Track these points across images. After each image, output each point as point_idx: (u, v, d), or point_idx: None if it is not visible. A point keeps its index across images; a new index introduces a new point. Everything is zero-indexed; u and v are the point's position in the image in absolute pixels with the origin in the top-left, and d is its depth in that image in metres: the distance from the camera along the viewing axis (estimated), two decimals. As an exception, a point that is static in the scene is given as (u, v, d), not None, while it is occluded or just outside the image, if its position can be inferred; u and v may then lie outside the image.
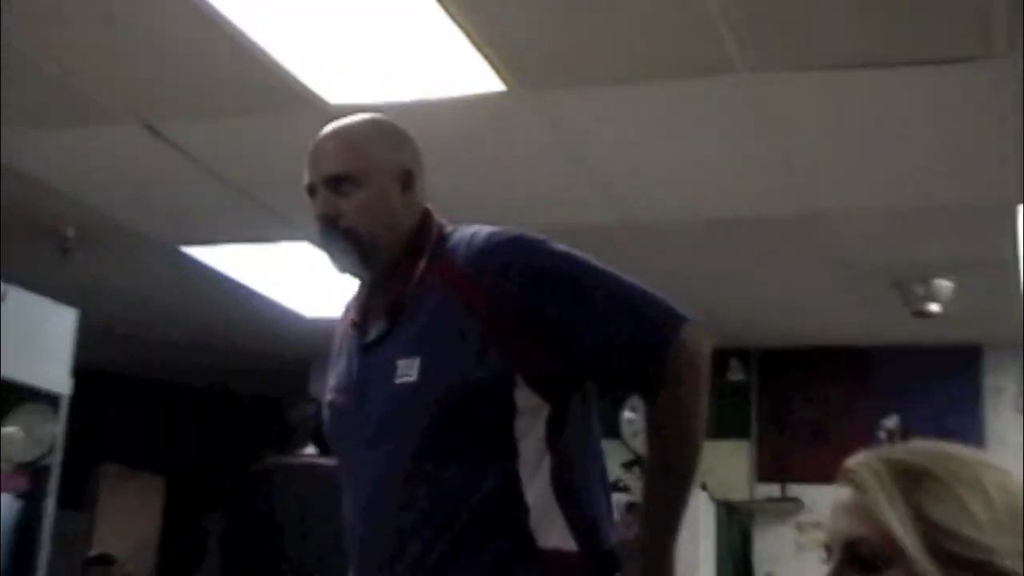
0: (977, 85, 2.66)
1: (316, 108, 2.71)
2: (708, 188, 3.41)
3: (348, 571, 1.50)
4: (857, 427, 4.80)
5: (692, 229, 3.71)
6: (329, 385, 1.56)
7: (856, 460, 0.88)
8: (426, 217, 1.53)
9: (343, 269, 1.53)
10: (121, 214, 3.78)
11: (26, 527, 3.44)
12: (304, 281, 4.27)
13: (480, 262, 1.43)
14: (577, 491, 1.43)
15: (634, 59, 2.63)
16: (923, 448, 0.89)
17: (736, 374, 4.98)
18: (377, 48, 2.57)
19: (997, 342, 4.80)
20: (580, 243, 1.49)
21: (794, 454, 4.96)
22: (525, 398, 1.40)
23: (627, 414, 4.19)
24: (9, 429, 3.43)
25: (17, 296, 3.37)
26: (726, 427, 4.79)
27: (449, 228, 1.53)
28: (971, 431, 4.64)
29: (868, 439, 4.64)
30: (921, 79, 2.65)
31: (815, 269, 4.08)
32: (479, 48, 2.55)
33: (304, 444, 4.00)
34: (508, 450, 1.40)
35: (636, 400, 3.64)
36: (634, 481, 4.27)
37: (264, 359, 5.37)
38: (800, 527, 4.89)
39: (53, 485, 3.52)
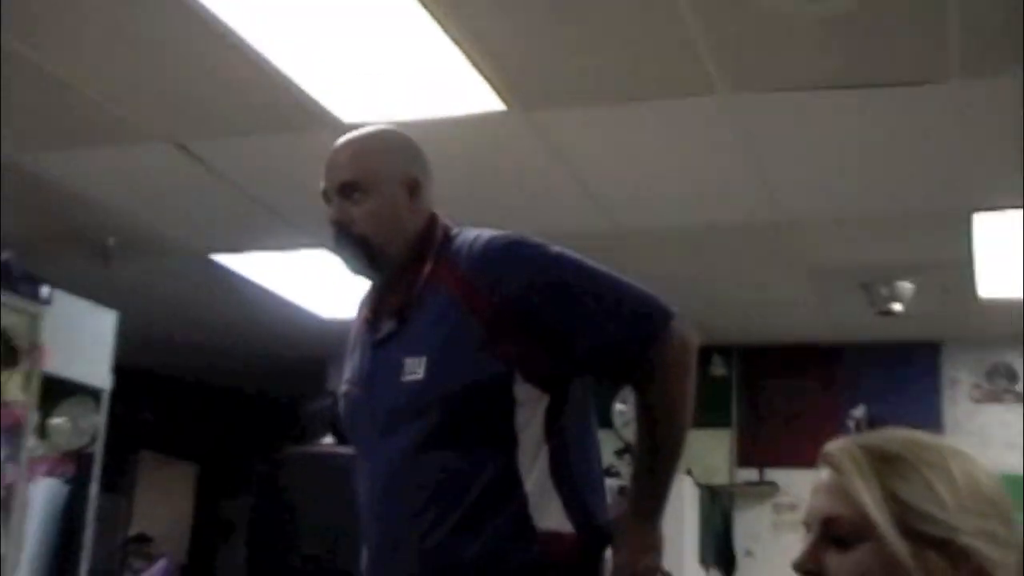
0: (934, 105, 2.66)
1: (331, 126, 2.70)
2: (691, 198, 3.40)
3: (361, 550, 1.49)
4: (828, 417, 4.78)
5: (677, 236, 3.71)
6: (344, 376, 1.56)
7: (835, 445, 0.88)
8: (432, 222, 1.51)
9: (355, 271, 1.51)
10: (156, 225, 3.78)
11: (72, 509, 3.43)
12: (321, 285, 4.26)
13: (480, 266, 1.42)
14: (573, 477, 1.42)
15: (623, 80, 2.62)
16: (896, 435, 0.88)
17: (718, 369, 4.97)
18: (388, 71, 2.56)
19: (954, 338, 4.78)
20: (573, 249, 1.47)
21: (771, 441, 4.95)
22: (524, 392, 1.39)
23: (618, 406, 4.17)
24: (57, 420, 3.42)
25: (63, 300, 3.36)
26: (709, 417, 4.79)
27: (455, 230, 1.51)
28: (931, 419, 4.62)
29: (838, 428, 4.62)
30: (885, 99, 2.64)
31: (790, 272, 4.06)
32: (481, 71, 2.55)
33: (322, 434, 4.00)
34: (509, 440, 1.38)
35: (626, 392, 3.63)
36: (625, 467, 4.26)
37: (284, 356, 5.37)
38: (776, 508, 4.88)
39: (96, 471, 3.51)
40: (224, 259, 4.11)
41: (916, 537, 0.82)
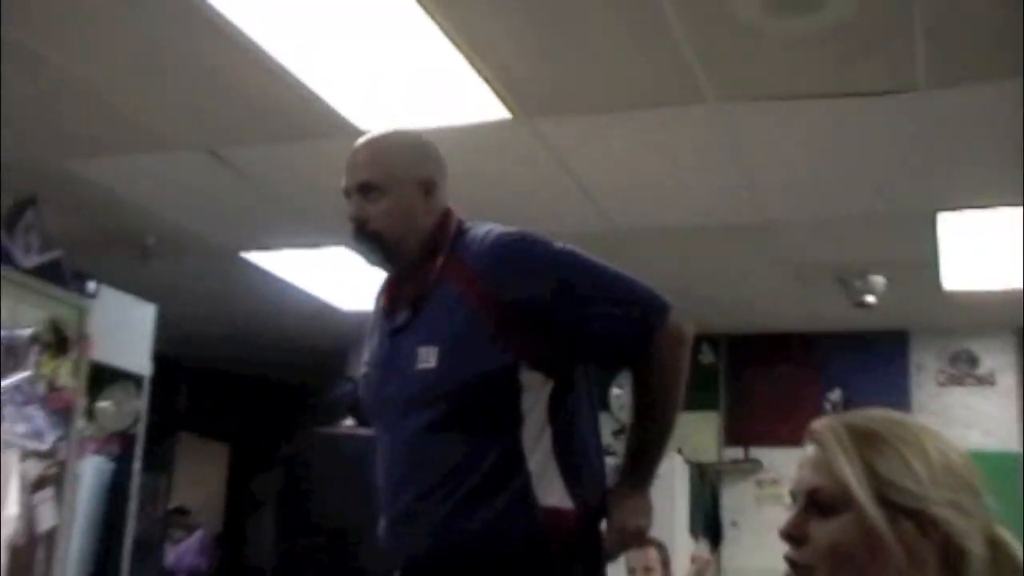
0: (903, 114, 2.65)
1: (349, 133, 2.69)
2: (682, 200, 3.39)
3: (379, 520, 1.48)
4: (807, 400, 4.78)
5: (669, 235, 3.70)
6: (364, 358, 1.55)
7: (820, 423, 0.88)
8: (446, 218, 1.49)
9: (372, 263, 1.51)
10: (190, 225, 3.78)
11: (118, 484, 3.45)
12: (341, 279, 4.25)
13: (488, 263, 1.40)
14: (575, 457, 1.41)
15: (620, 91, 2.61)
16: (875, 415, 0.88)
17: (707, 357, 4.96)
18: (402, 83, 2.56)
19: (921, 327, 4.77)
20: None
21: (755, 423, 4.94)
22: (530, 378, 1.38)
23: (615, 390, 4.16)
24: (103, 403, 3.44)
25: (107, 294, 3.37)
26: (698, 401, 4.77)
27: (467, 225, 1.49)
28: (900, 401, 4.61)
29: (816, 410, 4.63)
30: (858, 109, 2.64)
31: (773, 268, 4.05)
32: (489, 83, 2.54)
33: (343, 417, 4.00)
34: (514, 423, 1.38)
35: (622, 377, 3.63)
36: (621, 448, 4.24)
37: (307, 345, 5.37)
38: (759, 483, 4.87)
39: (139, 450, 3.53)
40: (252, 256, 4.11)
41: (891, 507, 0.82)
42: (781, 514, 0.87)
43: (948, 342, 4.76)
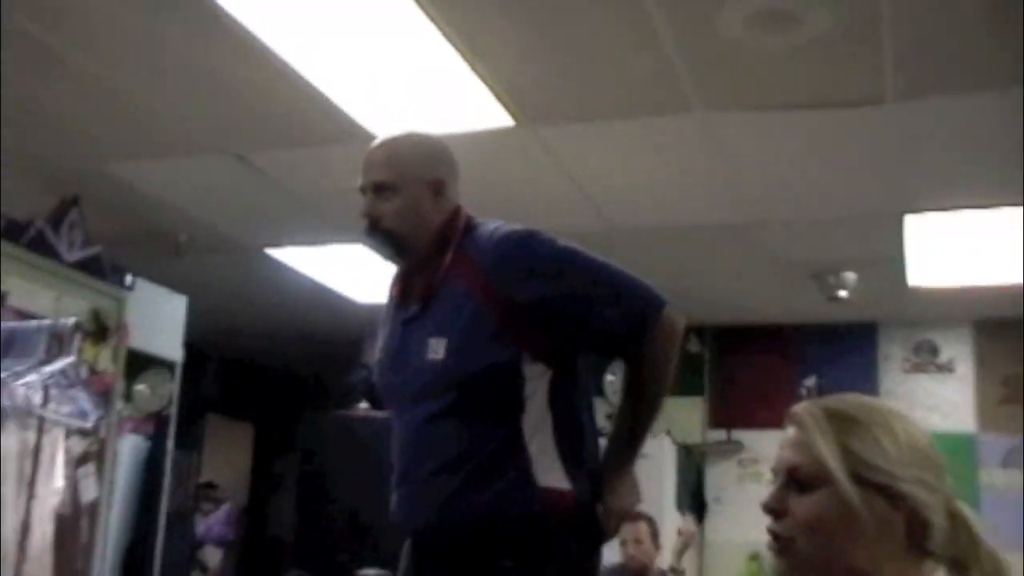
0: (873, 124, 2.66)
1: (363, 139, 2.69)
2: (673, 202, 3.39)
3: (392, 496, 1.48)
4: (785, 386, 4.78)
5: (661, 234, 3.70)
6: (378, 344, 1.54)
7: (800, 407, 0.88)
8: (454, 215, 1.47)
9: (384, 257, 1.50)
10: (218, 224, 3.78)
11: (152, 460, 3.45)
12: (357, 274, 4.26)
13: (494, 260, 1.39)
14: (572, 440, 1.40)
15: (616, 101, 2.62)
16: (850, 399, 0.89)
17: (693, 346, 4.96)
18: (412, 92, 2.56)
19: (888, 320, 4.77)
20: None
21: (737, 407, 4.94)
22: (531, 368, 1.37)
23: (609, 377, 4.16)
24: (139, 387, 3.44)
25: (143, 287, 3.37)
26: (685, 387, 4.78)
27: (476, 222, 1.48)
28: (869, 387, 4.61)
29: (793, 395, 4.63)
30: (834, 119, 2.64)
31: (754, 264, 4.05)
32: (493, 93, 2.55)
33: (358, 401, 4.01)
34: (516, 409, 1.37)
35: (616, 365, 3.63)
36: (613, 428, 4.25)
37: (325, 334, 5.37)
38: (741, 463, 4.88)
39: (171, 430, 3.53)
40: (275, 253, 4.11)
41: (864, 483, 0.83)
42: (760, 491, 0.88)
43: (912, 333, 4.77)
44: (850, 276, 4.03)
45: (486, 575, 1.34)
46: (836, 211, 3.41)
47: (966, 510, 0.86)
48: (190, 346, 3.65)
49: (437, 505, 1.37)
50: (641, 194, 3.33)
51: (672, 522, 4.05)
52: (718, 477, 4.89)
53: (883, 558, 0.82)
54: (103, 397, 2.97)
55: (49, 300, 2.88)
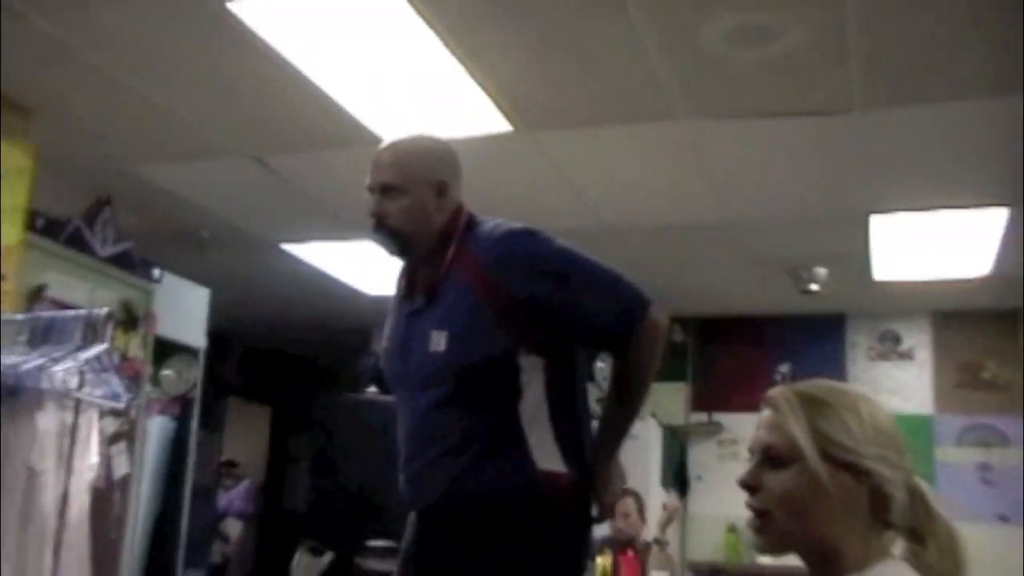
0: (841, 130, 2.66)
1: (372, 143, 2.70)
2: (660, 202, 3.40)
3: (400, 477, 1.48)
4: (761, 372, 4.79)
5: (649, 232, 3.70)
6: (385, 333, 1.53)
7: (774, 391, 0.89)
8: (457, 214, 1.45)
9: (390, 253, 1.49)
10: (238, 221, 3.78)
11: (178, 440, 3.47)
12: (367, 268, 4.26)
13: (494, 257, 1.38)
14: (567, 426, 1.40)
15: (607, 108, 2.62)
16: (821, 384, 0.90)
17: (678, 335, 4.97)
18: (417, 99, 2.56)
19: (856, 312, 4.78)
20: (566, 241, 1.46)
21: (717, 392, 4.96)
22: (527, 360, 1.37)
23: (599, 364, 4.17)
24: (166, 371, 3.46)
25: (169, 280, 3.38)
26: (669, 373, 4.78)
27: (478, 219, 1.46)
28: (838, 373, 4.62)
29: (768, 381, 4.64)
30: (806, 126, 2.65)
31: (734, 260, 4.07)
32: (494, 100, 2.55)
33: (368, 386, 4.01)
34: (514, 397, 1.37)
35: (605, 353, 3.63)
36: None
37: (337, 324, 5.38)
38: (721, 443, 4.90)
39: (196, 411, 3.54)
40: (291, 248, 4.11)
41: (832, 460, 0.84)
42: (739, 469, 0.89)
43: (877, 324, 4.79)
44: (821, 271, 4.05)
45: (489, 548, 1.35)
46: (808, 211, 3.42)
47: (924, 486, 0.87)
48: (213, 334, 3.66)
49: (443, 486, 1.37)
50: (631, 195, 3.34)
51: (657, 497, 4.07)
52: (700, 456, 4.92)
53: (848, 529, 0.83)
54: (133, 381, 2.98)
55: (84, 292, 2.90)
